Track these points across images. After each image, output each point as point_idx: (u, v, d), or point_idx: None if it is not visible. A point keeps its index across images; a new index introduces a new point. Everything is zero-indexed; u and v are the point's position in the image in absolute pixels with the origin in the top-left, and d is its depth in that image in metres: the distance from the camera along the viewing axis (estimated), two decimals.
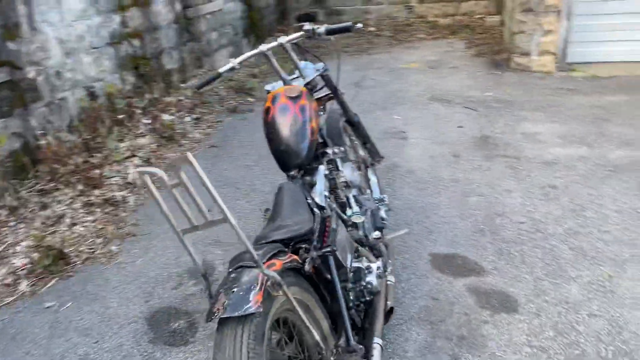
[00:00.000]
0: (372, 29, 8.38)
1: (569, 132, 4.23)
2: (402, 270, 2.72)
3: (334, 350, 1.81)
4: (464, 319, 2.38)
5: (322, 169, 2.20)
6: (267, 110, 2.17)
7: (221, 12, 6.13)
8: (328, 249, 1.81)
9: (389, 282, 2.21)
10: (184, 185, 1.39)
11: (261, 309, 1.46)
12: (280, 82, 2.41)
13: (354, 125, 2.80)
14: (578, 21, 5.53)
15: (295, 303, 1.59)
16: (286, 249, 1.71)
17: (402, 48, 7.41)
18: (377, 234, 2.32)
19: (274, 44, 2.36)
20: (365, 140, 2.91)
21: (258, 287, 1.53)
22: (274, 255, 1.61)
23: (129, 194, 3.70)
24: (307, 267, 1.74)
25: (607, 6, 5.47)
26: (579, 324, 2.30)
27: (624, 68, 5.49)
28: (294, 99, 2.17)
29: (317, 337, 1.68)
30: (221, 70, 2.32)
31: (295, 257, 1.71)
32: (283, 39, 2.37)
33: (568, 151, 3.90)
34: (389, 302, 2.10)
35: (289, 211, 1.94)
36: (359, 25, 2.33)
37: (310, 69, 2.44)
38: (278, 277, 1.49)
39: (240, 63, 2.33)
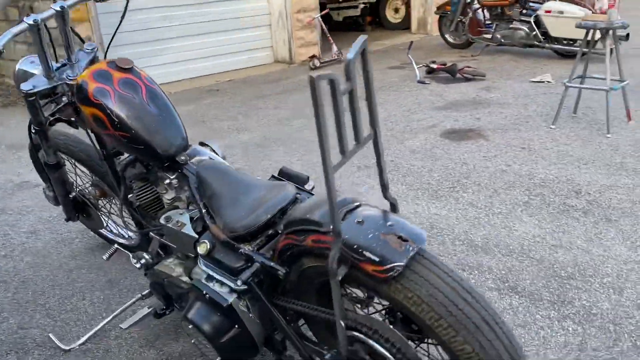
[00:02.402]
0: None
1: (192, 135, 4.83)
2: None
3: None
4: None
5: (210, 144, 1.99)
6: (100, 93, 1.68)
7: None
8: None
9: None
10: (354, 92, 1.21)
11: None
12: (38, 79, 1.84)
13: None
14: (133, 49, 6.09)
15: None
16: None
17: None
18: None
19: (47, 13, 1.82)
20: None
21: (399, 213, 1.37)
22: None
23: None
24: None
25: (150, 34, 6.24)
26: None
27: (182, 84, 6.44)
28: (130, 70, 1.78)
29: None
30: None
31: None
32: (62, 3, 1.83)
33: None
34: None
35: (246, 187, 1.68)
36: None
37: (81, 52, 1.97)
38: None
39: (4, 45, 1.72)
